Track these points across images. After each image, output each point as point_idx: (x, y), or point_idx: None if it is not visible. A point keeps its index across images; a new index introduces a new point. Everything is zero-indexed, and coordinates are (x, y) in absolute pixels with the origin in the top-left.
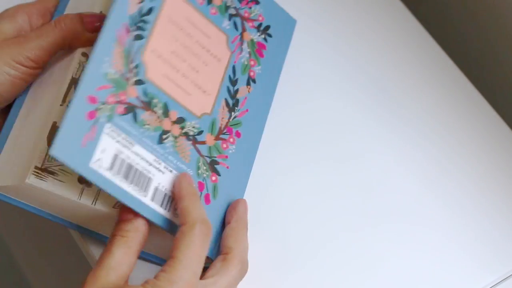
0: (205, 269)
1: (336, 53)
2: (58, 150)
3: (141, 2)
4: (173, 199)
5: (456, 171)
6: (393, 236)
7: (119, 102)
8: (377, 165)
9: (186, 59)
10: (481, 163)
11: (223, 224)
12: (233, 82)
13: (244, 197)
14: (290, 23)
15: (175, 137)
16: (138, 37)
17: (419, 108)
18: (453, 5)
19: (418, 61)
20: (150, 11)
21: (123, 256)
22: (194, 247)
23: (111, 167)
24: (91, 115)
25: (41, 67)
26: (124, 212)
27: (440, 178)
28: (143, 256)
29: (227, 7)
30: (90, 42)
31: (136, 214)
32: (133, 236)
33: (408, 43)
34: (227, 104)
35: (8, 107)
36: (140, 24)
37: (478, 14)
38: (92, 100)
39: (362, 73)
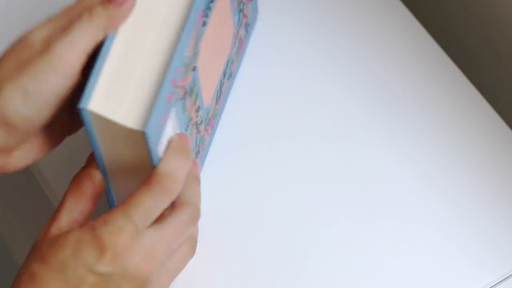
0: None
1: (336, 52)
2: (150, 131)
3: None
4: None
5: (455, 170)
6: (392, 235)
7: (183, 86)
8: (376, 163)
9: (214, 49)
10: (481, 163)
11: None
12: (224, 75)
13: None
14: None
15: (193, 125)
16: (204, 23)
17: (418, 109)
18: (453, 5)
19: (417, 61)
20: None
21: (75, 204)
22: (144, 197)
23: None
24: (170, 97)
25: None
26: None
27: (439, 177)
28: None
29: (240, 2)
30: (124, 18)
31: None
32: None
33: (407, 43)
34: (216, 96)
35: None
36: (207, 11)
37: (478, 14)
38: (174, 82)
39: (361, 73)
